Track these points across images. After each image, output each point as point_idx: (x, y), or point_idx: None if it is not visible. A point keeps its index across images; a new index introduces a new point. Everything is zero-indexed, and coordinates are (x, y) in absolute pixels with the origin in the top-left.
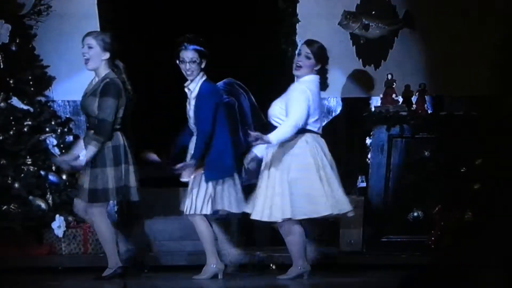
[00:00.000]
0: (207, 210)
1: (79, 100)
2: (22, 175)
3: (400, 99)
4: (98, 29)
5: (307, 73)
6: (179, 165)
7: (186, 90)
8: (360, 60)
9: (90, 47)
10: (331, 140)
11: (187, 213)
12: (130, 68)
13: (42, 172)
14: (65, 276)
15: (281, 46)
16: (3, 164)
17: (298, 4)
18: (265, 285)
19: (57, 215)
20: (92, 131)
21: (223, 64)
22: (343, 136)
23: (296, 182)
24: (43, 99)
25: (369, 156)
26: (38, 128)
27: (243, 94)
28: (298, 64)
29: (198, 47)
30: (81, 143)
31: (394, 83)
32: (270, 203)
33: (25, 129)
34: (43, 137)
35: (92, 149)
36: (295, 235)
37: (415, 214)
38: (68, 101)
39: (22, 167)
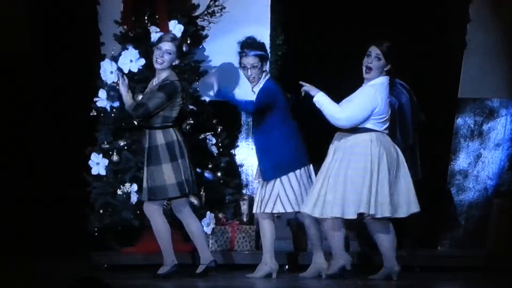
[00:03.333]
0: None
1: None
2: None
3: None
4: (270, 31)
5: (377, 75)
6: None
7: (253, 93)
8: None
9: (168, 53)
10: None
11: (255, 211)
12: (298, 71)
13: (199, 170)
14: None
15: (450, 45)
16: None
17: (471, 4)
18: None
19: (208, 212)
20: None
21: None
22: None
23: (351, 181)
24: (207, 99)
25: None
26: (199, 127)
27: (405, 94)
28: (368, 66)
29: (258, 52)
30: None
31: None
32: (323, 200)
33: (187, 128)
34: (203, 135)
35: (128, 100)
36: (336, 232)
37: None
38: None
39: None
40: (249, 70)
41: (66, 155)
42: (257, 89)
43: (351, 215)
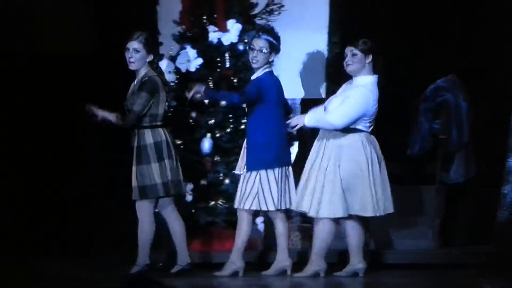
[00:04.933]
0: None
1: (294, 98)
2: (233, 171)
3: None
4: (327, 29)
5: (360, 68)
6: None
7: None
8: None
9: (137, 51)
10: None
11: (236, 206)
12: None
13: None
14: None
15: (506, 41)
16: (217, 160)
17: None
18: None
19: None
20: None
21: (444, 61)
22: None
23: (347, 181)
24: None
25: None
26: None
27: (462, 92)
28: (347, 64)
29: (270, 38)
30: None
31: None
32: (318, 199)
33: (242, 127)
34: None
35: (113, 119)
36: (325, 233)
37: None
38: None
39: (234, 163)
40: (255, 51)
41: (117, 156)
42: (254, 77)
43: (346, 213)
